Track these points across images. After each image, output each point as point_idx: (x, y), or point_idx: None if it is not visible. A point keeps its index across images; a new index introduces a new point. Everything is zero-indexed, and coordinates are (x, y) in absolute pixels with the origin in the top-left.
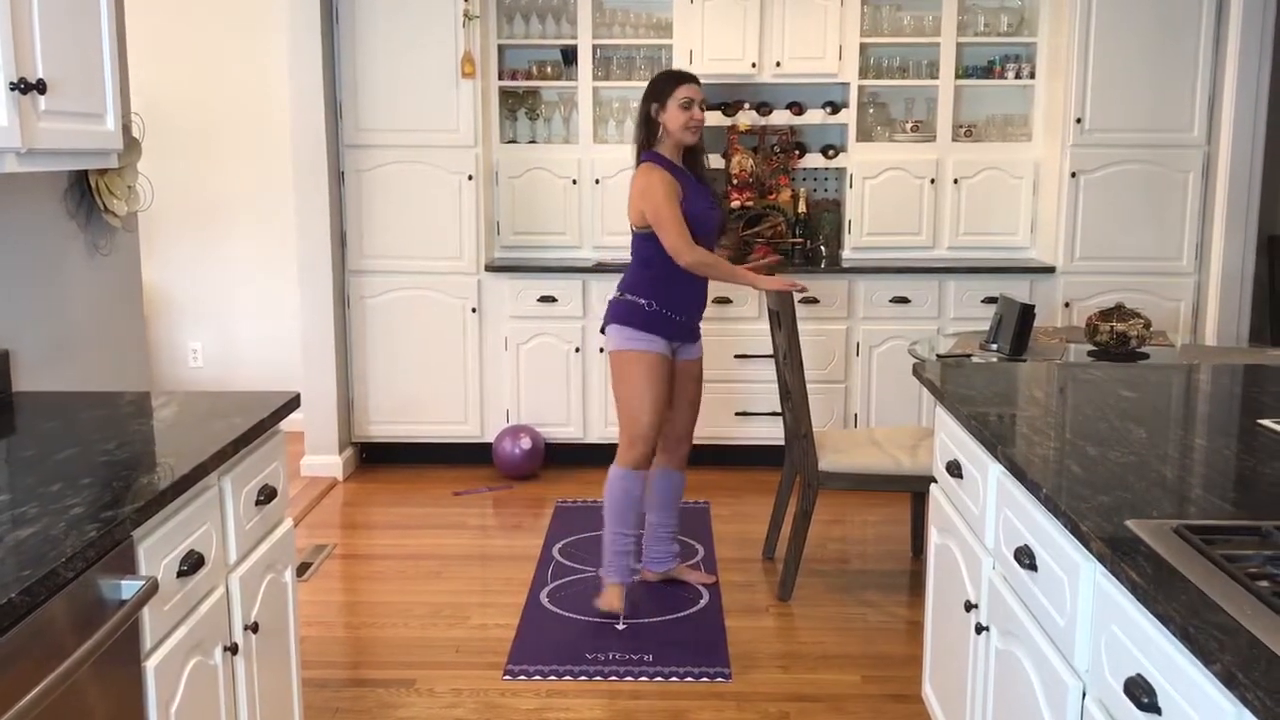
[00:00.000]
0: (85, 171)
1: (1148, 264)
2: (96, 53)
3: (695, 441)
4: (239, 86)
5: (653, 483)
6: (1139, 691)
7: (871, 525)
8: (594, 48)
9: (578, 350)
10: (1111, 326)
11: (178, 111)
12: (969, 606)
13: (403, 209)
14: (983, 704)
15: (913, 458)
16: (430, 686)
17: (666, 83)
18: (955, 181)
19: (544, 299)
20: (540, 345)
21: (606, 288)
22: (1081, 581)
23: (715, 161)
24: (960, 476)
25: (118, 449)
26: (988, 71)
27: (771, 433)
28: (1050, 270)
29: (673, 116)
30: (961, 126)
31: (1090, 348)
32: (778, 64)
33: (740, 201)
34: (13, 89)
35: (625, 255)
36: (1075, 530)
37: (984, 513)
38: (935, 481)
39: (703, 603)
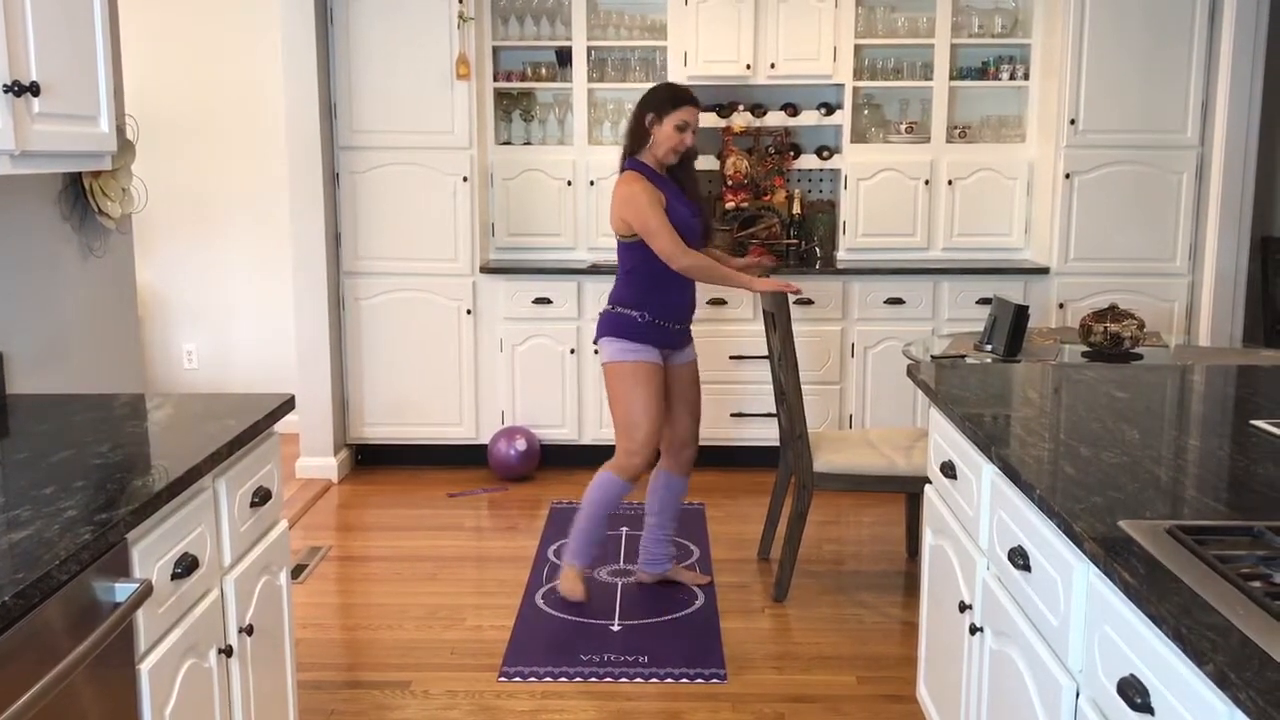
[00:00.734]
0: (79, 173)
1: (1141, 265)
2: (90, 55)
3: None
4: (233, 88)
5: (654, 486)
6: (1132, 692)
7: (866, 526)
8: (589, 49)
9: (573, 352)
10: (1105, 327)
11: (172, 113)
12: (963, 607)
13: (397, 210)
14: (977, 704)
15: (907, 459)
16: (425, 688)
17: (669, 99)
18: (949, 182)
19: (539, 300)
20: (535, 347)
21: (602, 289)
22: (1075, 582)
23: (710, 163)
24: (954, 477)
25: (112, 451)
26: (982, 73)
27: (766, 434)
28: (1044, 271)
29: (665, 134)
30: (956, 128)
31: (1084, 349)
32: (772, 65)
33: (735, 203)
34: (6, 91)
35: None
36: (1069, 531)
37: (978, 513)
38: (930, 482)
39: (698, 604)
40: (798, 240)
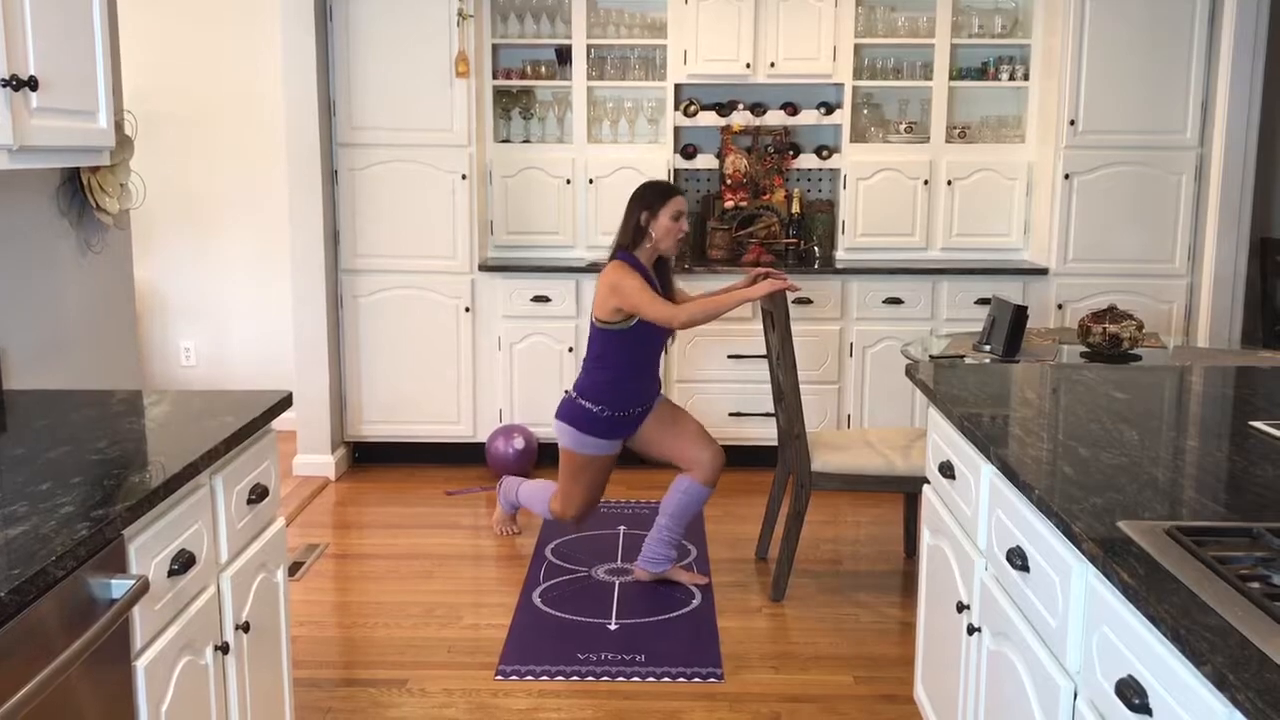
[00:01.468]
0: (77, 169)
1: (1140, 266)
2: (89, 50)
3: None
4: (232, 84)
5: (675, 488)
6: (1130, 692)
7: (864, 526)
8: (588, 48)
9: (570, 350)
10: (1104, 328)
11: (171, 109)
12: (961, 607)
13: (396, 208)
14: (974, 705)
15: (905, 458)
16: (422, 686)
17: (659, 195)
18: (949, 183)
19: (537, 299)
20: (533, 345)
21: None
22: (1073, 582)
23: (710, 162)
24: (953, 477)
25: (109, 448)
26: (982, 73)
27: (764, 433)
28: (1043, 272)
29: (663, 227)
30: (955, 128)
31: (1083, 349)
32: (772, 64)
33: (734, 202)
34: (4, 86)
35: None
36: (1067, 531)
37: (976, 514)
38: (928, 482)
39: (695, 603)
40: (797, 239)
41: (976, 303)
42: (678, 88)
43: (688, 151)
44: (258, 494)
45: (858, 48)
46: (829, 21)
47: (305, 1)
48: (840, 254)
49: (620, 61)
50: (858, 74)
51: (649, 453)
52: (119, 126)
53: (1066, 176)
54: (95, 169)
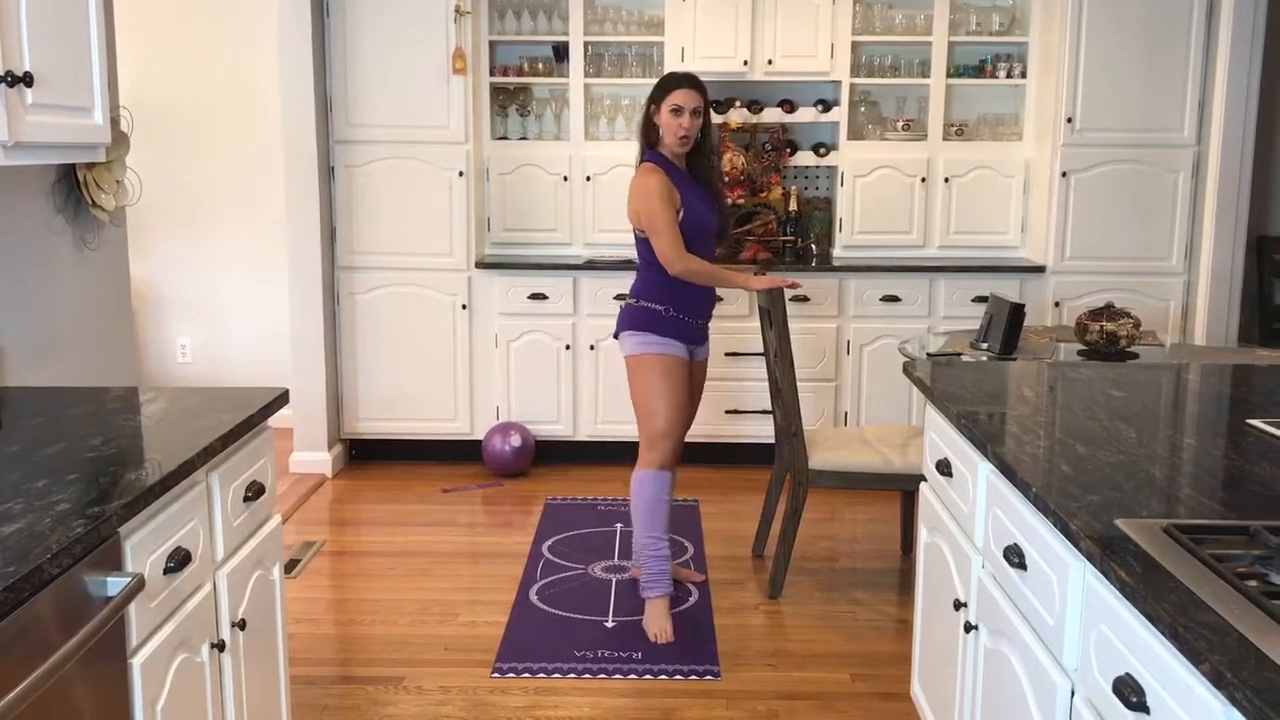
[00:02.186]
0: (73, 165)
1: (1137, 264)
2: (84, 45)
3: (685, 439)
4: (229, 80)
5: (632, 492)
6: (1128, 691)
7: (861, 523)
8: (585, 44)
9: (568, 347)
10: (1101, 326)
11: (167, 105)
12: (958, 605)
13: (393, 205)
14: (971, 703)
15: (903, 456)
16: (419, 684)
17: (663, 86)
18: (946, 180)
19: (534, 296)
20: (531, 342)
21: (597, 285)
22: (1071, 580)
23: None
24: (950, 475)
25: (104, 445)
26: (979, 70)
27: (762, 431)
28: (1040, 269)
29: (664, 121)
30: (953, 125)
31: (1080, 347)
32: (769, 62)
33: (731, 199)
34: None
35: (616, 252)
36: (1064, 529)
37: (973, 511)
38: (925, 480)
39: (692, 600)
40: (794, 237)
41: (974, 300)
42: None
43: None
44: (254, 491)
45: (855, 45)
46: (826, 19)
47: None
48: (837, 251)
49: (617, 58)
50: (855, 71)
51: None
52: (115, 123)
53: (1064, 174)
54: (91, 166)
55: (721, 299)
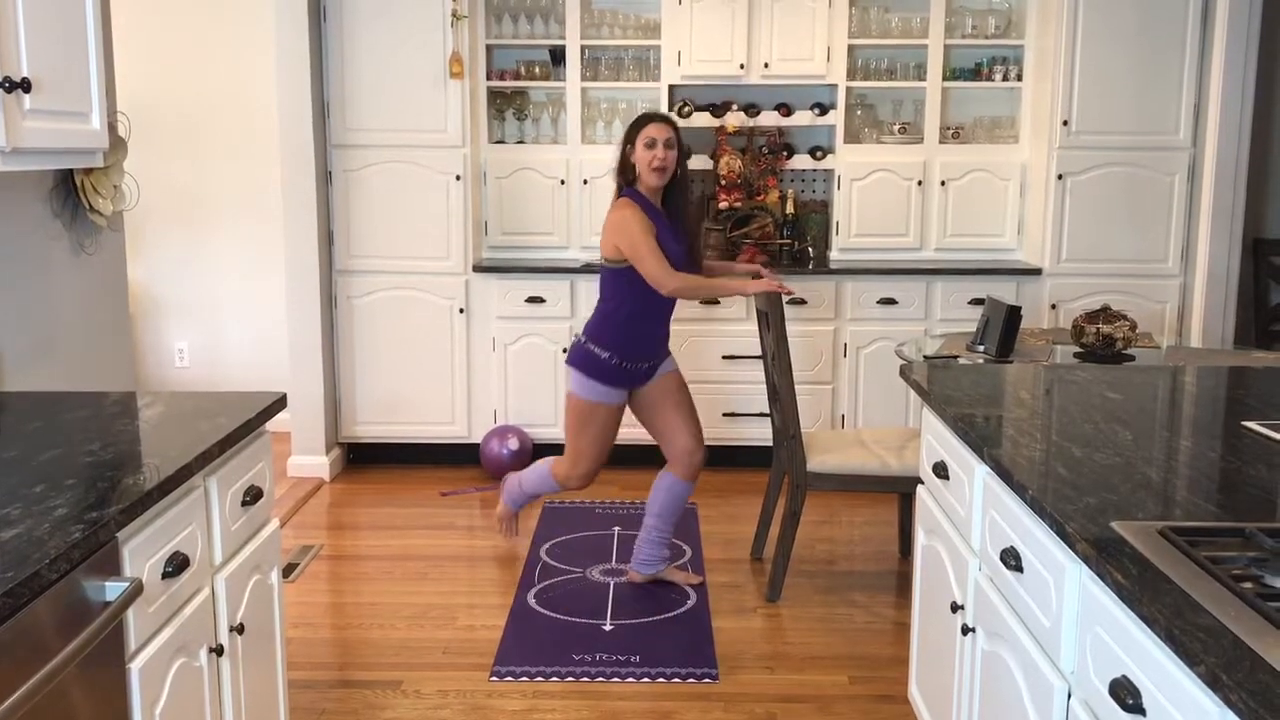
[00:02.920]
0: (70, 170)
1: (1134, 266)
2: (82, 51)
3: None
4: (226, 85)
5: (658, 486)
6: (1124, 693)
7: (859, 526)
8: (582, 48)
9: (565, 350)
10: (1097, 328)
11: (164, 110)
12: (955, 608)
13: (390, 209)
14: (969, 705)
15: (900, 459)
16: (417, 688)
17: (634, 124)
18: (942, 183)
19: (531, 299)
20: (528, 346)
21: (594, 289)
22: (1067, 583)
23: (704, 162)
24: (947, 478)
25: (102, 449)
26: (975, 74)
27: (759, 433)
28: (1037, 272)
29: (639, 157)
30: (949, 128)
31: (1076, 349)
32: (766, 65)
33: (729, 203)
34: None
35: None
36: (1061, 532)
37: (970, 514)
38: (922, 482)
39: (690, 603)
40: (791, 240)
41: (970, 303)
42: (672, 89)
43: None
44: (252, 496)
45: (851, 48)
46: (823, 22)
47: (299, 3)
48: (834, 254)
49: (614, 62)
50: (851, 75)
51: (645, 419)
52: (112, 128)
53: (1060, 177)
54: (88, 171)
55: (719, 301)
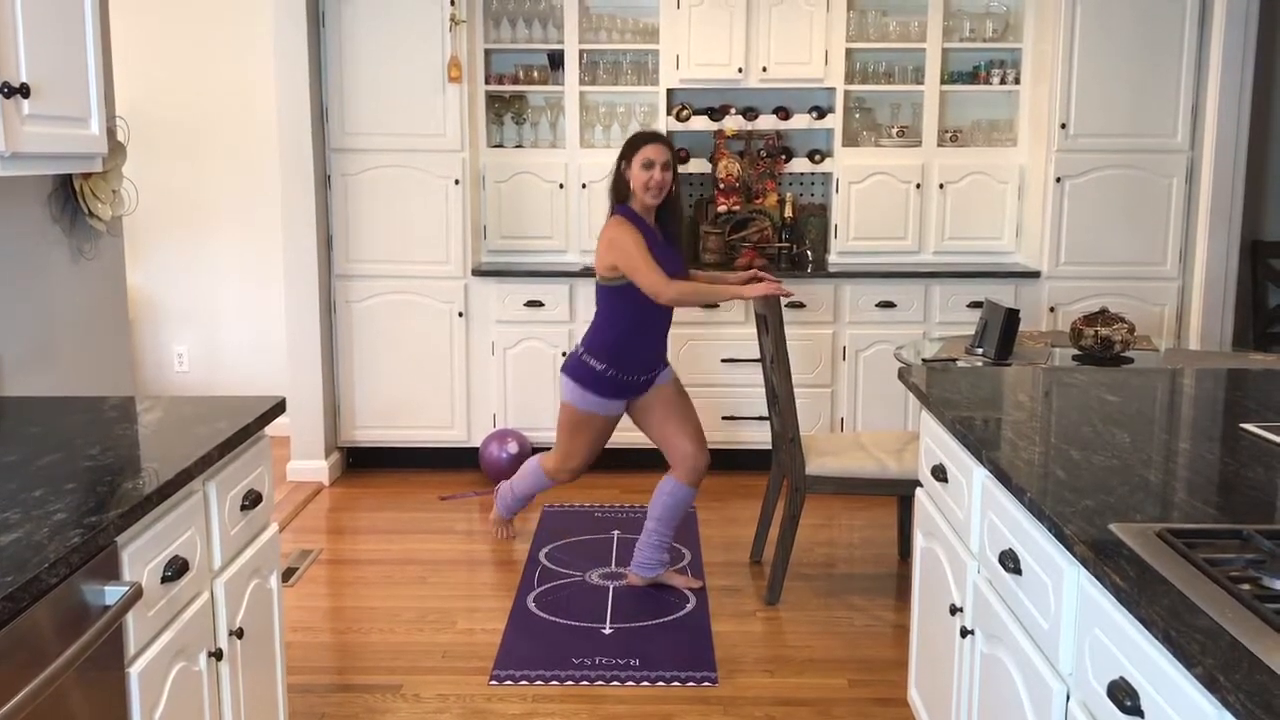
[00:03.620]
0: (70, 175)
1: (1132, 268)
2: (80, 56)
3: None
4: (225, 90)
5: (660, 490)
6: (1122, 694)
7: (858, 529)
8: (581, 52)
9: (564, 354)
10: (1096, 331)
11: (163, 115)
12: (954, 610)
13: (389, 213)
14: (968, 707)
15: (899, 461)
16: (416, 691)
17: (631, 144)
18: (941, 186)
19: (531, 303)
20: (527, 349)
21: (593, 292)
22: (1065, 585)
23: (702, 166)
24: (945, 480)
25: (102, 454)
26: (973, 77)
27: (758, 437)
28: (1035, 275)
29: (635, 176)
30: (947, 131)
31: (1075, 352)
32: (764, 69)
33: (727, 206)
34: None
35: None
36: (1059, 534)
37: (969, 517)
38: (921, 485)
39: (689, 607)
40: (789, 243)
41: (969, 306)
42: (670, 92)
43: (680, 156)
44: (251, 500)
45: (849, 52)
46: (820, 26)
47: (297, 7)
48: (833, 258)
49: (612, 66)
50: (849, 78)
51: (645, 427)
52: (111, 133)
53: (1058, 180)
54: (87, 175)
55: (718, 305)
